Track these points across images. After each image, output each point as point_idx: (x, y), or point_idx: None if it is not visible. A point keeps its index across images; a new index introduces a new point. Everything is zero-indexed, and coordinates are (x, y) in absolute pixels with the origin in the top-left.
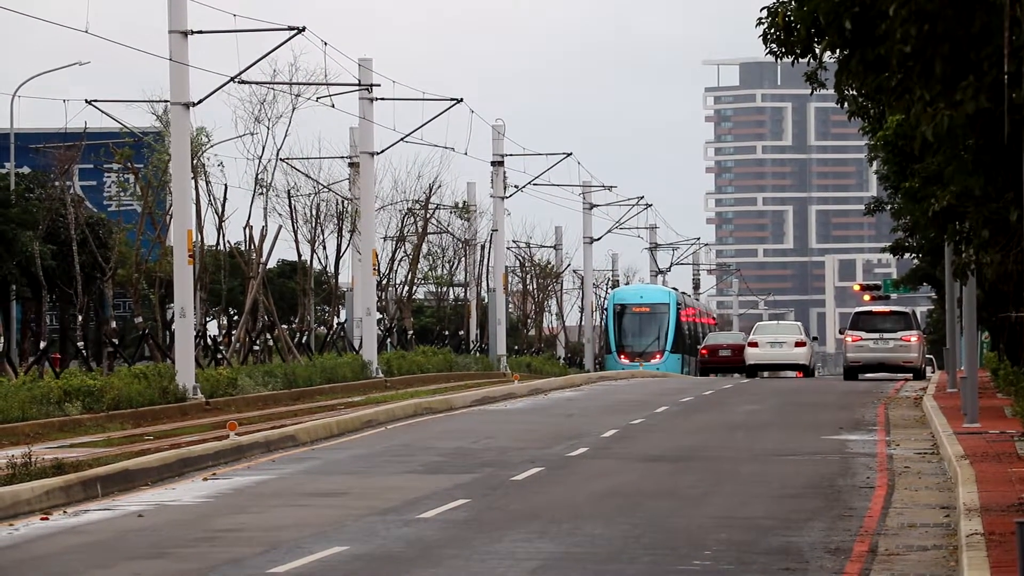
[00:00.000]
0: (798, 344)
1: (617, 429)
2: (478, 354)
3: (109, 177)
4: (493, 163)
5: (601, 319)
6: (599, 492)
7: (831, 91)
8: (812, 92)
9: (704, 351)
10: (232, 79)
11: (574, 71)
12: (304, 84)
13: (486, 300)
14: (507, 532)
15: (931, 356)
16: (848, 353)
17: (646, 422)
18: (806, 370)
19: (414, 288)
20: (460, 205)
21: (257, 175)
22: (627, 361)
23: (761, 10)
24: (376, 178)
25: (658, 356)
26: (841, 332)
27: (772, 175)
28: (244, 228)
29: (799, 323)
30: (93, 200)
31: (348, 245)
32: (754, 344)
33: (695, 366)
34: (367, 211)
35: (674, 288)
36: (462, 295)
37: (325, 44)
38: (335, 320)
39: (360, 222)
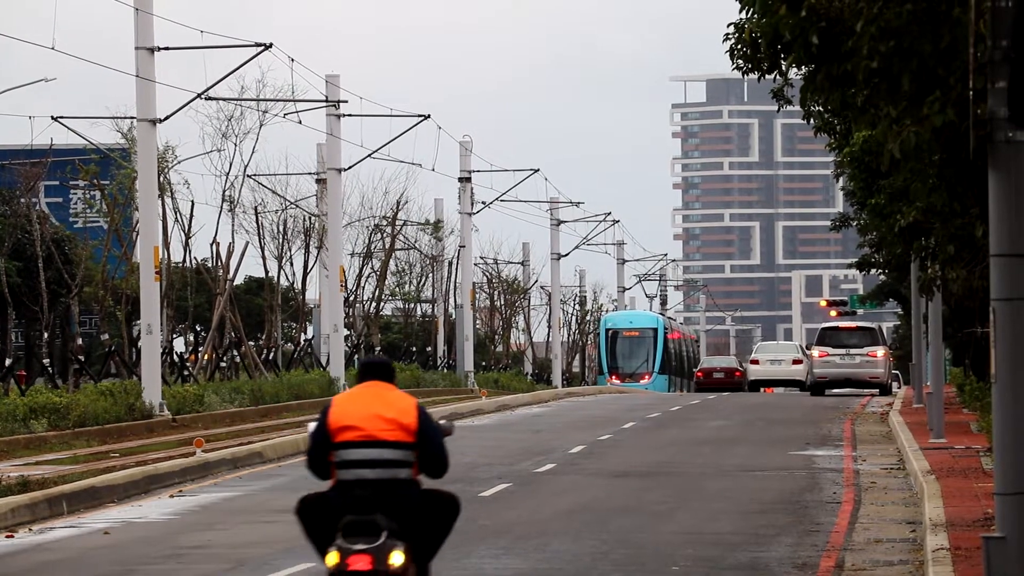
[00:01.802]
0: (795, 362)
1: (584, 445)
2: (445, 370)
3: (75, 194)
4: (460, 179)
5: (568, 335)
6: (567, 508)
7: (798, 107)
8: (779, 109)
9: (700, 373)
10: (199, 95)
11: (541, 88)
12: (271, 100)
13: (453, 316)
14: (475, 548)
15: (897, 371)
16: (815, 369)
17: (613, 438)
18: (803, 385)
19: (381, 304)
20: (428, 221)
21: (224, 191)
22: (618, 381)
23: (728, 26)
24: (343, 194)
25: (647, 377)
26: (808, 348)
27: (739, 191)
28: (211, 244)
29: (797, 343)
30: (59, 217)
31: (315, 261)
32: (755, 362)
33: (681, 385)
34: (334, 227)
35: (660, 313)
36: (429, 311)
37: (292, 60)
38: (302, 336)
39: (327, 238)
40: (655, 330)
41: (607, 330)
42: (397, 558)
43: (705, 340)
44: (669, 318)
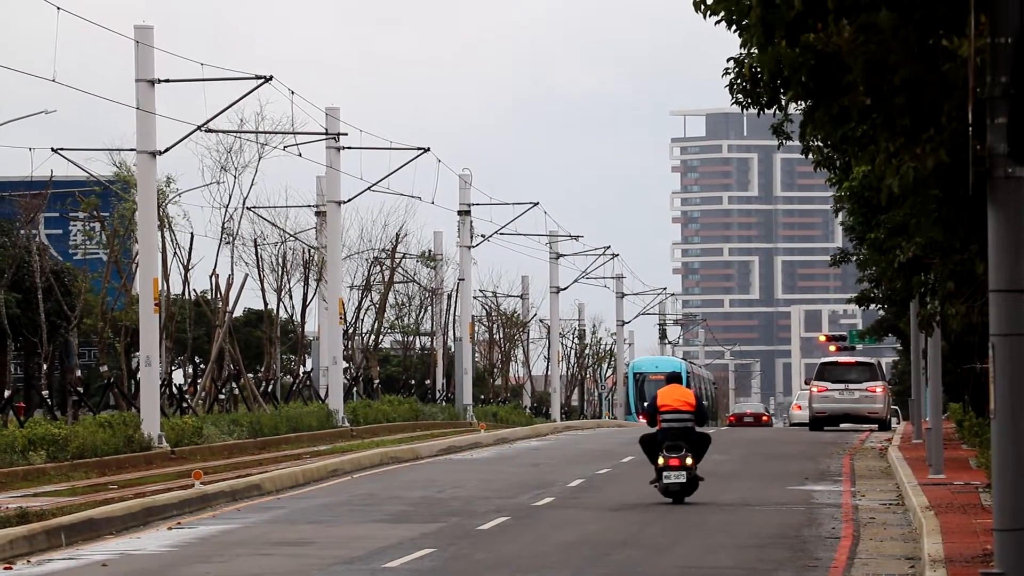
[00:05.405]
0: None
1: (583, 479)
2: (444, 403)
3: (75, 226)
4: (460, 212)
5: (567, 369)
6: (565, 541)
7: (797, 142)
8: (780, 145)
9: (732, 417)
10: (199, 128)
11: (541, 121)
12: (271, 133)
13: (452, 349)
14: None
15: (896, 407)
16: (814, 404)
17: (612, 471)
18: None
19: (380, 337)
20: (427, 254)
21: (223, 224)
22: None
23: (728, 60)
24: (343, 227)
25: None
26: (807, 383)
27: (738, 225)
28: (210, 277)
29: None
30: (59, 249)
31: (315, 294)
32: (799, 408)
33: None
34: (333, 260)
35: (683, 358)
36: (428, 344)
37: (292, 93)
38: (301, 369)
39: (326, 271)
40: (678, 374)
41: (635, 374)
42: (689, 460)
43: None
44: (690, 362)
